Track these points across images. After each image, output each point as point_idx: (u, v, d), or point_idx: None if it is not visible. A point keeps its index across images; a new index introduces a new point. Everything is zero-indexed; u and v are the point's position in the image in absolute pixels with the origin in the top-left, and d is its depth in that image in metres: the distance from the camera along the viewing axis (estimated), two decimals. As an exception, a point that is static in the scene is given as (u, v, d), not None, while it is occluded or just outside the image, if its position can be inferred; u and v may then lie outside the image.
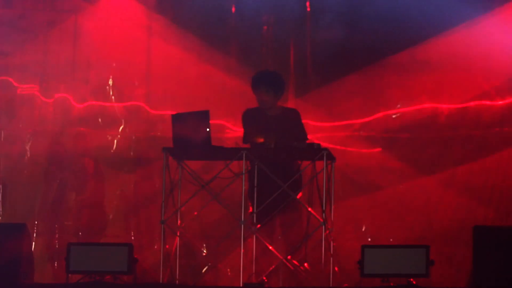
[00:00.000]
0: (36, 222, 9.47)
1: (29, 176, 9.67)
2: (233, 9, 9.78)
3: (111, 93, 9.80)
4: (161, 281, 7.88)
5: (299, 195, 8.16)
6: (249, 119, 8.34)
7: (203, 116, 7.86)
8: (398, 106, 9.57)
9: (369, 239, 9.21)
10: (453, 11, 9.39)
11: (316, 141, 8.17)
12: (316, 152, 7.86)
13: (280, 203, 7.98)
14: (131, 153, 9.69)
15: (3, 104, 9.83)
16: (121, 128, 9.75)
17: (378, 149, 9.58)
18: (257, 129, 8.18)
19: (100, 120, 9.78)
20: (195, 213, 8.29)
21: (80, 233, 9.47)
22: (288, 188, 7.90)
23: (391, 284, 7.45)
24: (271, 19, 9.73)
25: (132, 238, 9.35)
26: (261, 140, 8.07)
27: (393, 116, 9.60)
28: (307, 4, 9.74)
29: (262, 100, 8.26)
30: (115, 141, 9.73)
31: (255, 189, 8.01)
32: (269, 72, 8.47)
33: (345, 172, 9.15)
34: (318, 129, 9.54)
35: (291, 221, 8.17)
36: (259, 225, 8.03)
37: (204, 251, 8.72)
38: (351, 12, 9.58)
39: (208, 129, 7.81)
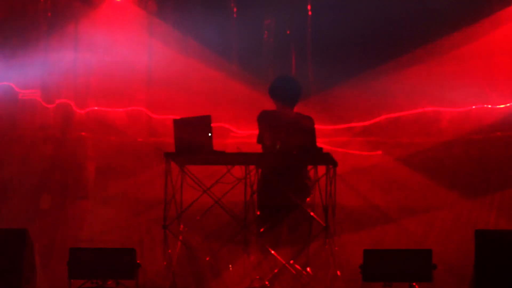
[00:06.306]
0: (38, 228, 9.45)
1: (30, 182, 9.66)
2: (235, 14, 9.78)
3: (112, 98, 9.79)
4: (163, 286, 7.88)
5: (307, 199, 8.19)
6: (264, 120, 8.37)
7: (205, 121, 7.88)
8: None
9: (372, 244, 9.19)
10: (454, 14, 9.40)
11: (319, 145, 8.19)
12: (318, 156, 7.87)
13: (286, 209, 8.00)
14: (133, 158, 9.68)
15: (4, 109, 9.80)
16: (122, 133, 9.74)
17: (379, 152, 9.58)
18: (270, 131, 8.23)
19: (101, 125, 9.77)
20: (198, 217, 8.30)
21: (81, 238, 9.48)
22: (295, 195, 7.92)
23: (394, 288, 7.46)
24: (272, 24, 9.74)
25: (135, 243, 9.33)
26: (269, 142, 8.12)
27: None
28: (309, 7, 9.74)
29: (277, 106, 8.32)
30: (117, 146, 9.72)
31: (259, 194, 8.02)
32: (286, 78, 8.51)
33: (347, 176, 9.15)
34: (319, 133, 9.54)
35: (296, 226, 8.18)
36: (262, 229, 8.03)
37: (207, 256, 8.71)
38: (352, 17, 9.59)
39: (210, 134, 7.82)
